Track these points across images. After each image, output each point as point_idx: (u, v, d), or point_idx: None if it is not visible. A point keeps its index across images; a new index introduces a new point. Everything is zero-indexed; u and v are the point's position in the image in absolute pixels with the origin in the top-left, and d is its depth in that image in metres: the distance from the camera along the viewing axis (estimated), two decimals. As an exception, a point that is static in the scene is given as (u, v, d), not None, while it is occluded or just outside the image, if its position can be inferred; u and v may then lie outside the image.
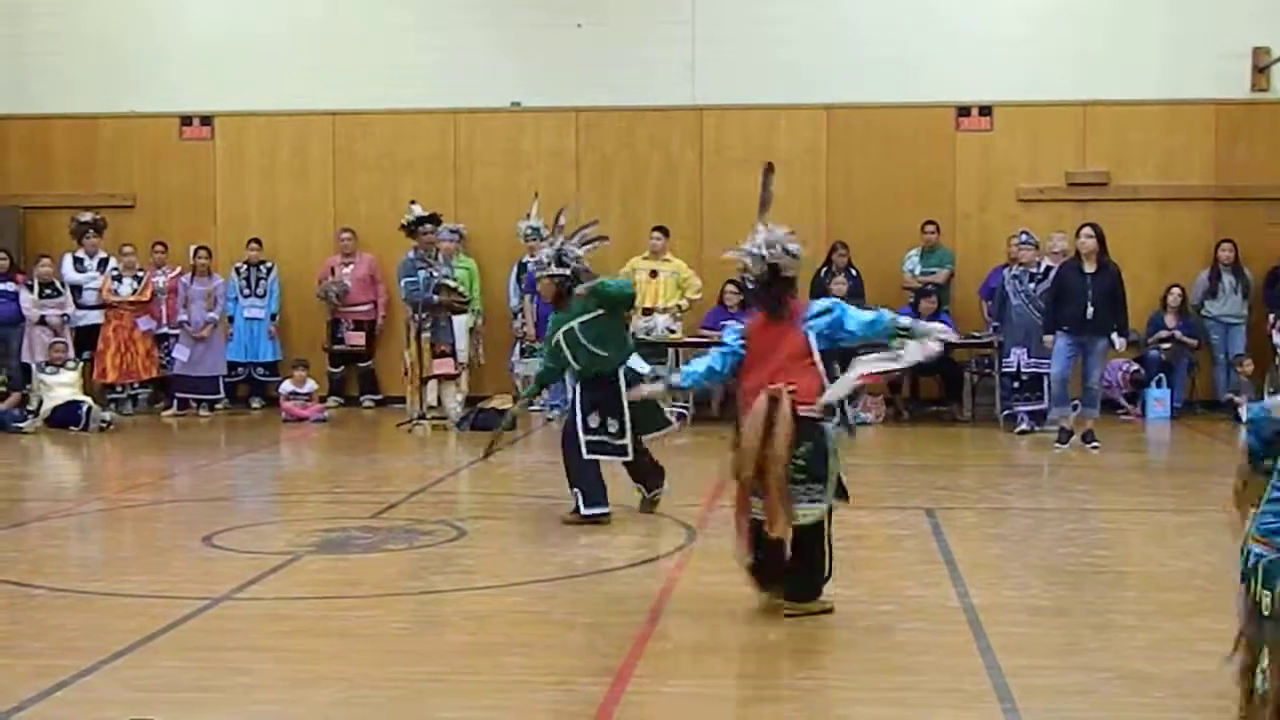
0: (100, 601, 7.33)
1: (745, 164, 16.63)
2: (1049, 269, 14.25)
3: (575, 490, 9.29)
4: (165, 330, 16.40)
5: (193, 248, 16.50)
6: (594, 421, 9.26)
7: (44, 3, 17.29)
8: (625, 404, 9.13)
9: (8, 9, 17.34)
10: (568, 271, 9.53)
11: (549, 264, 9.59)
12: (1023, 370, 14.24)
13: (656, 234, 15.85)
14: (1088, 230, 13.36)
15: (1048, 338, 13.49)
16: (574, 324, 9.30)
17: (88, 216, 16.51)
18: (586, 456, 9.26)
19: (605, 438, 9.26)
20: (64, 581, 7.82)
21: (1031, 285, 14.34)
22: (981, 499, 10.60)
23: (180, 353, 16.25)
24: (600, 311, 9.28)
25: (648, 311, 15.55)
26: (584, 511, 9.18)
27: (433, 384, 14.75)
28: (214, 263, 16.61)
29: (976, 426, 15.00)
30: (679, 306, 15.63)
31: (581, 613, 7.03)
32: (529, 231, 15.52)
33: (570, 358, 9.35)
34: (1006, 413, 14.56)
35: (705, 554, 8.33)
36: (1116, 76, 16.16)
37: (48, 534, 9.55)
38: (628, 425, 9.24)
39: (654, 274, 15.74)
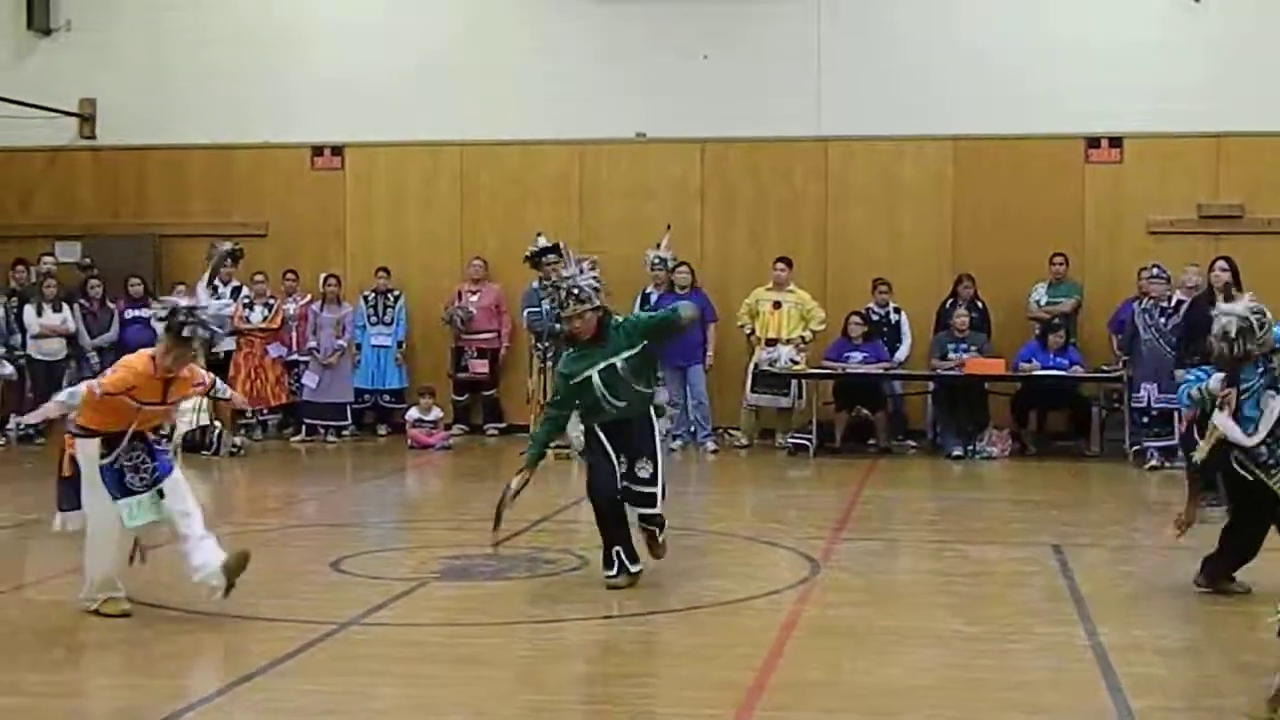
0: (231, 625, 7.46)
1: (869, 196, 16.65)
2: (1180, 303, 14.02)
3: (616, 550, 8.27)
4: (295, 357, 16.66)
5: (322, 276, 16.77)
6: (623, 466, 8.28)
7: (185, 38, 17.67)
8: (659, 444, 8.38)
9: (148, 45, 17.75)
10: (598, 301, 8.37)
11: (580, 298, 8.30)
12: (1153, 405, 14.01)
13: (780, 265, 15.83)
14: (1221, 264, 13.13)
15: (1179, 373, 13.25)
16: (617, 360, 8.25)
17: (227, 246, 16.81)
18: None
19: (633, 484, 8.30)
20: (196, 604, 7.95)
21: (1162, 319, 14.12)
22: (1110, 536, 10.43)
23: (309, 379, 16.49)
24: (644, 344, 8.38)
25: (771, 342, 15.54)
26: (632, 571, 8.31)
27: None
28: (342, 291, 16.87)
29: (1105, 462, 14.75)
30: (802, 338, 15.58)
31: (705, 645, 7.02)
32: (656, 261, 15.62)
33: (609, 398, 8.23)
34: (1136, 448, 14.32)
35: (829, 586, 8.29)
36: (1251, 106, 15.85)
37: (180, 556, 9.70)
38: (660, 469, 8.33)
39: (777, 305, 15.71)
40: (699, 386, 15.67)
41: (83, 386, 7.47)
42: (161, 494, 7.51)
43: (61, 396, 7.53)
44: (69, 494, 7.67)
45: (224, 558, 7.52)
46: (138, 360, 7.52)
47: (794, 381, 15.35)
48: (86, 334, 16.24)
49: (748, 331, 15.80)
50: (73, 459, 7.57)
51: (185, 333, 7.41)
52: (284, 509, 12.27)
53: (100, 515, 7.47)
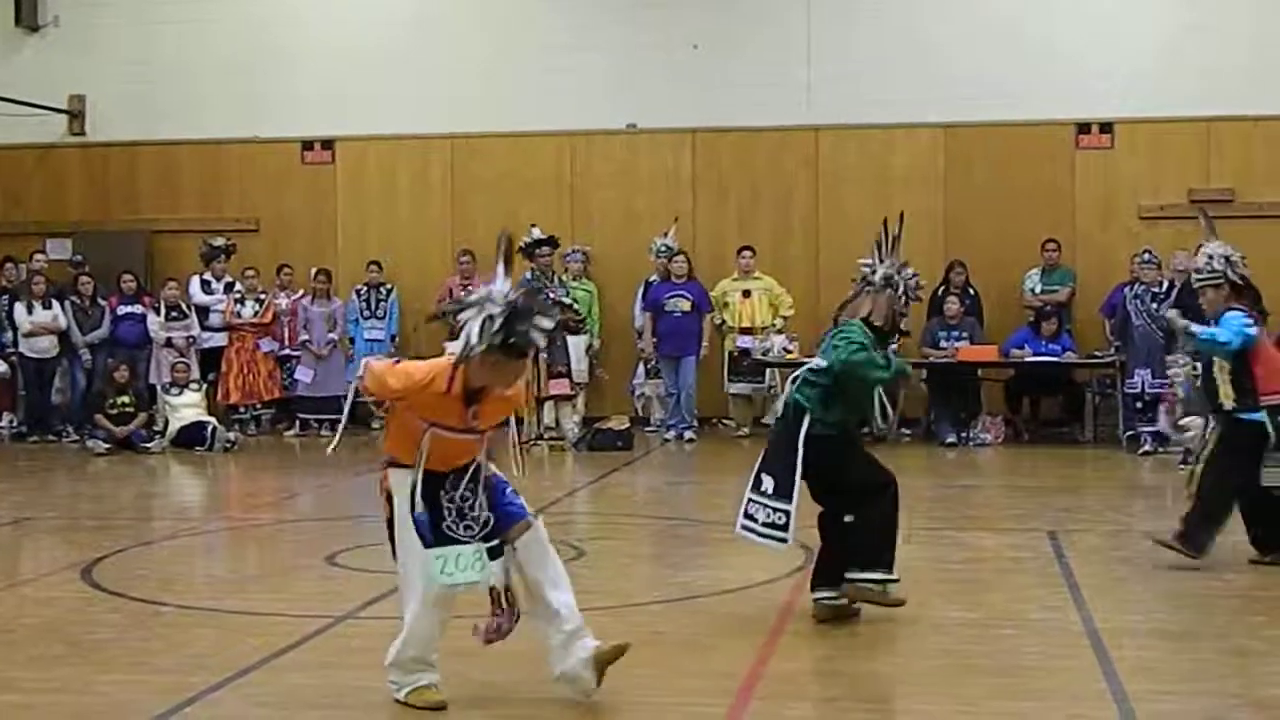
0: (227, 619, 7.46)
1: (861, 185, 16.65)
2: (1171, 287, 14.04)
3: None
4: (288, 352, 16.66)
5: (312, 270, 16.77)
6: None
7: (173, 33, 17.66)
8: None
9: (136, 41, 17.73)
10: None
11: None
12: (1146, 391, 14.04)
13: (746, 253, 15.89)
14: (1211, 249, 13.13)
15: (1171, 358, 13.28)
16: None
17: (220, 241, 16.83)
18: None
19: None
20: (192, 599, 7.97)
21: (1154, 304, 14.15)
22: (1104, 521, 10.46)
23: (303, 374, 16.50)
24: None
25: (746, 331, 15.57)
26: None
27: (550, 404, 14.87)
28: (334, 285, 16.87)
29: (1098, 448, 14.78)
30: (774, 325, 15.56)
31: (701, 634, 7.03)
32: (662, 249, 15.68)
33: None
34: (1129, 434, 14.35)
35: (824, 575, 8.29)
36: (1241, 92, 15.87)
37: (175, 552, 9.74)
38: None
39: (747, 294, 15.78)
40: (689, 378, 15.69)
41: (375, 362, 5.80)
42: (494, 552, 5.66)
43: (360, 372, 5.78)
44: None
45: (594, 651, 5.72)
46: (425, 368, 5.58)
47: (768, 369, 15.39)
48: (78, 331, 16.22)
49: (717, 322, 15.86)
50: (389, 496, 5.75)
51: (515, 340, 5.36)
52: (278, 503, 12.27)
53: (410, 566, 5.67)
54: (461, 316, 5.41)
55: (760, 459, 7.29)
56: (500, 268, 5.54)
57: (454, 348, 5.48)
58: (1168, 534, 8.44)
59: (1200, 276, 8.58)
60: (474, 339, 5.33)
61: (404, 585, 5.73)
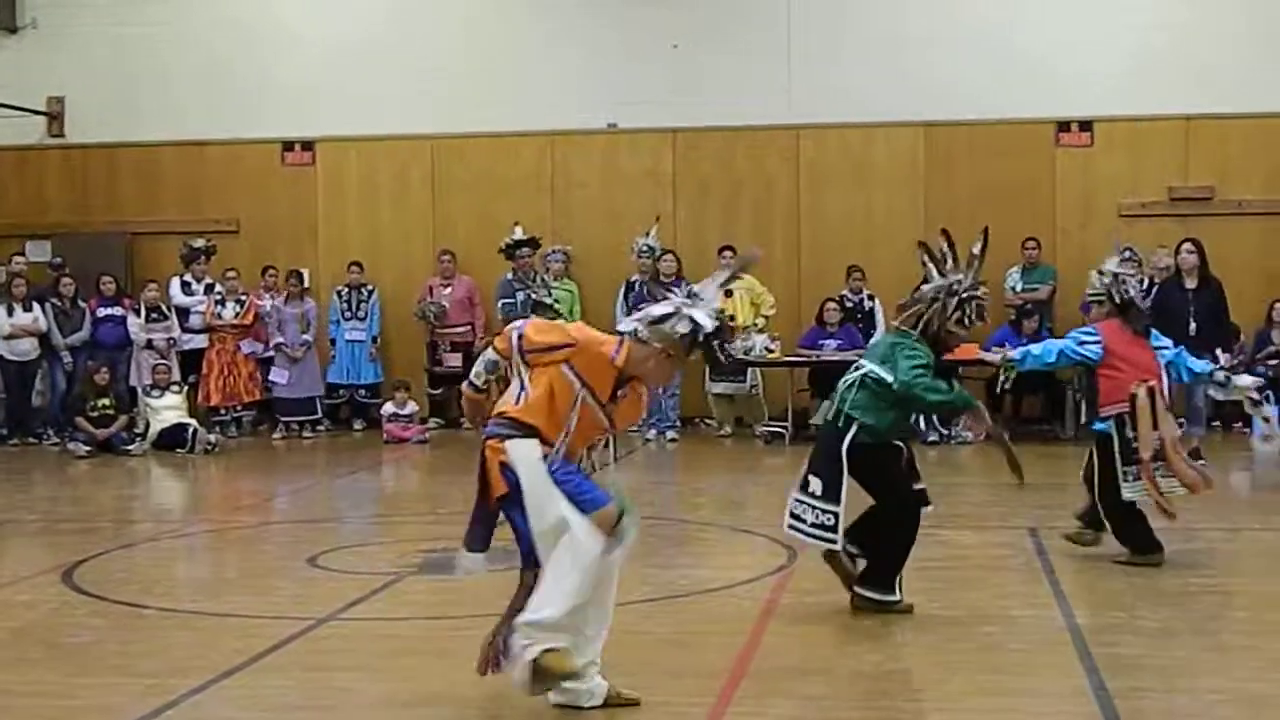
0: (208, 621, 7.45)
1: (842, 183, 16.67)
2: (1152, 285, 14.07)
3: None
4: (270, 354, 16.63)
5: (284, 272, 16.76)
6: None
7: (152, 34, 17.60)
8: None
9: (115, 42, 17.67)
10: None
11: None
12: (1126, 388, 14.04)
13: (727, 253, 15.85)
14: (1188, 246, 13.20)
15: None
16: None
17: (200, 243, 16.79)
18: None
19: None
20: (173, 602, 7.96)
21: (1134, 302, 14.15)
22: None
23: (279, 375, 16.48)
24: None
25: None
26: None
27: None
28: (315, 286, 16.85)
29: (1080, 445, 14.77)
30: (755, 324, 15.56)
31: (683, 633, 7.03)
32: (644, 249, 15.65)
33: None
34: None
35: (806, 574, 8.30)
36: (1220, 90, 15.92)
37: (156, 555, 9.71)
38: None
39: (728, 293, 15.70)
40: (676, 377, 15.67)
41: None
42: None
43: (477, 367, 5.74)
44: (481, 529, 5.78)
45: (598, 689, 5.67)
46: (598, 335, 5.65)
47: (749, 369, 15.40)
48: (58, 333, 16.16)
49: None
50: (504, 472, 5.51)
51: (714, 349, 5.61)
52: (260, 505, 12.24)
53: (553, 534, 5.42)
54: (664, 309, 5.57)
55: (808, 460, 7.39)
56: (717, 285, 5.77)
57: (629, 326, 5.60)
58: (1122, 557, 8.48)
59: (1090, 292, 8.91)
60: (678, 327, 5.50)
61: (551, 551, 5.42)
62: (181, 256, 16.75)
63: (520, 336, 5.55)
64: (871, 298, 15.94)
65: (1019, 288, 15.82)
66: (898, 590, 7.25)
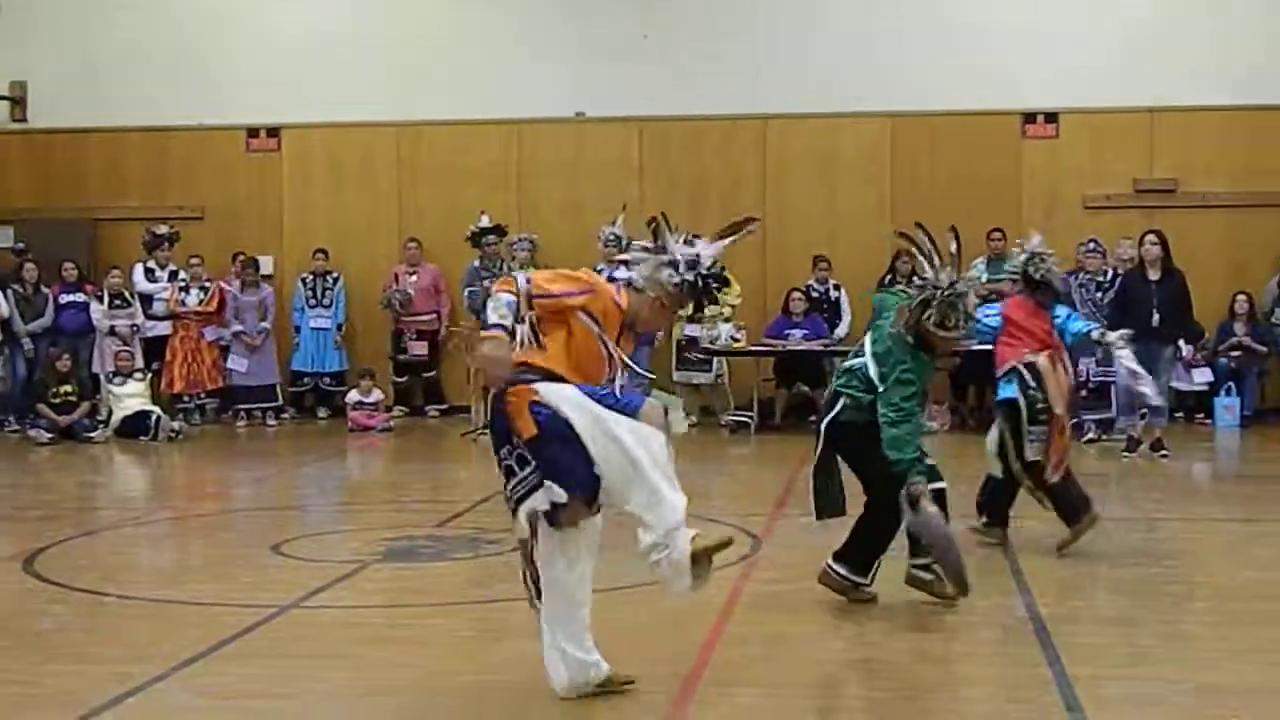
0: (171, 609, 7.42)
1: (808, 173, 16.69)
2: (1116, 277, 14.14)
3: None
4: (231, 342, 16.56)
5: (240, 260, 16.69)
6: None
7: (116, 19, 17.47)
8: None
9: (79, 27, 17.54)
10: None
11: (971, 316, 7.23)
12: (1091, 379, 14.13)
13: None
14: (1151, 237, 13.28)
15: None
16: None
17: (163, 229, 16.69)
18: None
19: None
20: (135, 589, 7.92)
21: (1098, 294, 14.25)
22: (1048, 509, 10.50)
23: (237, 363, 16.41)
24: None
25: (693, 320, 15.56)
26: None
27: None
28: (280, 273, 16.78)
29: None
30: (721, 314, 15.54)
31: (647, 621, 7.03)
32: (610, 238, 15.62)
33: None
34: (1073, 421, 14.40)
35: (770, 563, 8.33)
36: (1185, 82, 16.00)
37: (119, 542, 9.67)
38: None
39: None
40: (643, 364, 15.66)
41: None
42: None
43: (499, 309, 5.44)
44: (568, 456, 5.44)
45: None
46: (604, 281, 5.79)
47: (715, 358, 15.41)
48: (20, 319, 16.04)
49: None
50: (534, 410, 5.40)
51: (703, 292, 5.78)
52: (223, 493, 12.20)
53: (615, 451, 5.35)
54: (641, 255, 5.77)
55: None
56: (719, 244, 5.91)
57: (626, 276, 5.84)
58: (1063, 546, 8.51)
59: (1008, 267, 9.60)
60: (669, 275, 5.68)
61: (623, 476, 5.38)
62: (144, 243, 16.65)
63: (529, 281, 5.50)
64: (837, 287, 15.98)
65: (984, 278, 15.83)
66: (871, 575, 7.25)
